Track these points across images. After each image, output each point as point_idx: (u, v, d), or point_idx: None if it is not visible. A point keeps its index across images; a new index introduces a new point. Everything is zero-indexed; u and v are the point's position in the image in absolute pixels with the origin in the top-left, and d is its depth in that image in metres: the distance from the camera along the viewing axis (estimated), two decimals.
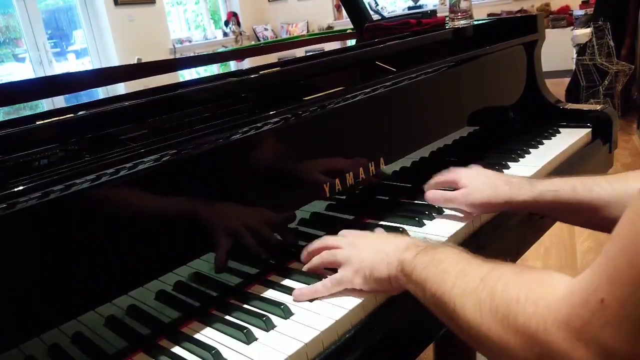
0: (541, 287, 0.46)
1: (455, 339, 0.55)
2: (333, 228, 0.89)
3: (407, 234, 0.85)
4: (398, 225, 0.88)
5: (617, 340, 0.38)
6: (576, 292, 0.42)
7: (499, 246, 0.92)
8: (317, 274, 0.75)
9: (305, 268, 0.77)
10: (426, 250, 0.64)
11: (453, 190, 0.89)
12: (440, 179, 0.93)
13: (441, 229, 0.86)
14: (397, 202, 0.99)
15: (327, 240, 0.78)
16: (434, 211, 0.91)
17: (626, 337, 0.38)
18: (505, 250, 0.97)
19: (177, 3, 7.20)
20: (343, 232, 0.80)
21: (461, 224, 0.87)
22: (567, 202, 0.77)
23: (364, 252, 0.71)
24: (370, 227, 0.90)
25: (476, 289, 0.52)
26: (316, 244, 0.78)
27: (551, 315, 0.43)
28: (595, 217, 0.74)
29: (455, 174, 0.91)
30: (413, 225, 0.88)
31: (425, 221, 0.89)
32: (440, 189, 0.93)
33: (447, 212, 0.91)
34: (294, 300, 0.70)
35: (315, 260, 0.76)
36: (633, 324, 0.37)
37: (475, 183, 0.86)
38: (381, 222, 0.91)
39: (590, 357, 0.40)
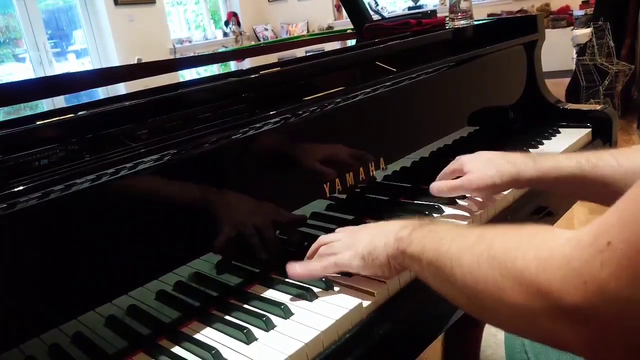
0: (544, 234, 0.46)
1: (462, 335, 0.55)
2: (333, 228, 0.90)
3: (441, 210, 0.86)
4: None
5: (617, 283, 0.37)
6: (583, 234, 0.41)
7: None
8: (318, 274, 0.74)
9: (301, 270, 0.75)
10: (422, 226, 0.64)
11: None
12: (445, 170, 0.93)
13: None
14: (397, 202, 0.99)
15: (323, 237, 0.77)
16: (434, 211, 0.91)
17: (629, 280, 0.37)
18: None
19: (177, 3, 7.20)
20: (339, 229, 0.80)
21: (462, 224, 0.87)
22: (572, 179, 0.76)
23: (362, 236, 0.71)
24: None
25: (473, 244, 0.52)
26: (314, 245, 0.77)
27: (552, 256, 0.42)
28: (600, 193, 0.74)
29: (458, 161, 0.91)
30: None
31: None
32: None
33: (447, 211, 0.91)
34: (288, 272, 0.70)
35: (311, 253, 0.75)
36: (635, 268, 0.36)
37: (479, 166, 0.86)
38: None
39: (586, 296, 0.39)
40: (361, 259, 0.69)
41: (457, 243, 0.55)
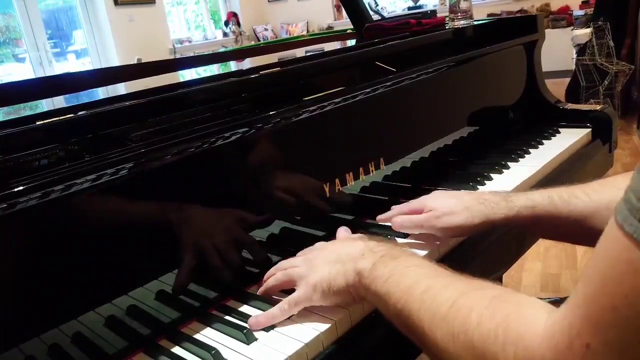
0: (519, 324, 0.44)
1: None
2: (333, 228, 0.90)
3: (407, 233, 0.84)
4: None
5: None
6: (557, 335, 0.40)
7: (499, 246, 0.92)
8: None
9: (259, 291, 0.73)
10: (384, 261, 0.61)
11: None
12: (403, 207, 0.85)
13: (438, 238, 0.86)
14: (397, 202, 0.98)
15: (282, 263, 0.74)
16: None
17: None
18: (505, 250, 0.97)
19: (177, 3, 7.19)
20: (298, 253, 0.75)
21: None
22: (545, 217, 0.73)
23: (319, 266, 0.67)
24: (370, 227, 0.90)
25: (446, 316, 0.50)
26: (271, 270, 0.74)
27: (532, 358, 0.41)
28: (573, 230, 0.72)
29: (419, 201, 0.83)
30: None
31: None
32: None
33: None
34: (250, 327, 0.66)
35: (270, 282, 0.71)
36: None
37: (445, 205, 0.78)
38: (381, 222, 0.91)
39: None
40: (320, 291, 0.65)
41: (428, 307, 0.52)
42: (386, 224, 0.90)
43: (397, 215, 0.84)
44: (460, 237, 0.84)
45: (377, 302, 0.61)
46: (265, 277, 0.73)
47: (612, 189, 0.69)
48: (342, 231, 0.82)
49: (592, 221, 0.69)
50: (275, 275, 0.72)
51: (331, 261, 0.67)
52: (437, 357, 0.52)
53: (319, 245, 0.75)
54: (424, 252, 0.80)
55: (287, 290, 0.70)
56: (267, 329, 0.66)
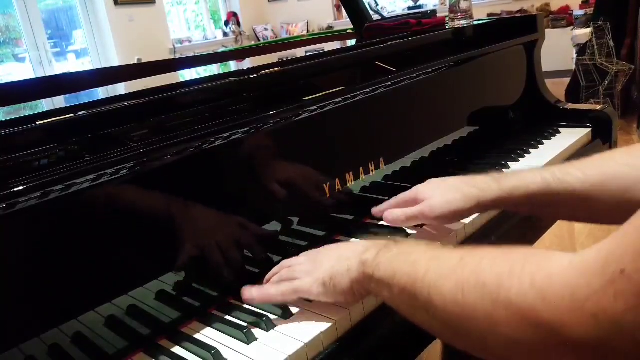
0: (539, 258, 0.41)
1: None
2: (333, 228, 0.90)
3: (407, 232, 0.84)
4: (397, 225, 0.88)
5: (635, 316, 0.34)
6: (590, 260, 0.37)
7: (499, 246, 0.92)
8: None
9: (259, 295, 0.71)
10: (389, 247, 0.60)
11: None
12: (396, 199, 0.85)
13: (440, 229, 0.86)
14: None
15: (284, 262, 0.73)
16: None
17: None
18: None
19: (177, 3, 7.19)
20: (302, 254, 0.74)
21: (461, 224, 0.87)
22: (539, 196, 0.72)
23: (323, 262, 0.67)
24: (370, 228, 0.90)
25: (455, 269, 0.47)
26: (274, 269, 0.73)
27: (552, 284, 0.38)
28: (569, 208, 0.71)
29: (411, 191, 0.83)
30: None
31: None
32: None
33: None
34: (243, 297, 0.66)
35: (274, 280, 0.71)
36: None
37: (439, 193, 0.78)
38: (381, 222, 0.91)
39: (593, 330, 0.36)
40: (322, 285, 0.64)
41: (435, 267, 0.50)
42: (387, 223, 0.90)
43: (389, 208, 0.83)
44: (457, 225, 0.83)
45: (381, 288, 0.58)
46: (268, 276, 0.73)
47: (610, 163, 0.67)
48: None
49: (588, 198, 0.67)
50: (279, 272, 0.71)
51: (334, 257, 0.66)
52: (444, 325, 0.49)
53: (321, 248, 0.74)
54: (459, 224, 0.82)
55: None
56: (267, 329, 0.66)
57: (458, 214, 0.77)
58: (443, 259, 0.51)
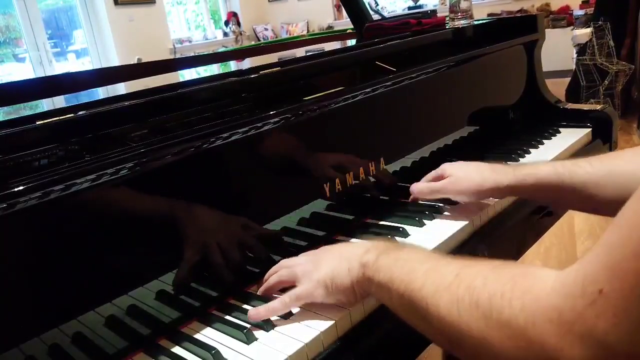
0: (527, 280, 0.44)
1: None
2: (333, 228, 0.90)
3: (407, 233, 0.85)
4: (398, 225, 0.88)
5: (615, 334, 0.36)
6: (570, 282, 0.39)
7: (500, 246, 0.92)
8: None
9: (260, 291, 0.72)
10: (388, 251, 0.61)
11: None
12: (427, 176, 0.93)
13: (441, 228, 0.86)
14: (397, 202, 0.98)
15: (284, 261, 0.74)
16: (434, 211, 0.91)
17: (626, 331, 0.35)
18: (505, 250, 0.97)
19: (177, 3, 7.19)
20: (301, 254, 0.75)
21: (461, 224, 0.87)
22: (549, 186, 0.78)
23: (323, 263, 0.67)
24: (370, 227, 0.90)
25: (450, 285, 0.49)
26: (273, 268, 0.74)
27: (540, 307, 0.40)
28: (577, 198, 0.76)
29: (440, 168, 0.91)
30: (413, 225, 0.88)
31: (425, 221, 0.89)
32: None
33: (447, 212, 0.91)
34: (250, 319, 0.66)
35: (272, 279, 0.71)
36: (635, 318, 0.35)
37: (462, 171, 0.87)
38: (381, 222, 0.91)
39: (583, 351, 0.37)
40: (323, 287, 0.65)
41: (432, 280, 0.52)
42: (387, 223, 0.90)
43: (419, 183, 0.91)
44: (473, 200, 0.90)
45: (381, 292, 0.60)
46: (267, 275, 0.73)
47: (618, 160, 0.72)
48: None
49: (595, 191, 0.72)
50: (279, 272, 0.71)
51: (335, 258, 0.67)
52: (441, 335, 0.51)
53: (320, 248, 0.74)
54: (460, 224, 0.86)
55: (288, 289, 0.70)
56: (267, 328, 0.66)
57: (477, 193, 0.86)
58: (439, 271, 0.53)
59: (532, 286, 0.43)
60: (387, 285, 0.58)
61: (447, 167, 0.89)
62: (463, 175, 0.86)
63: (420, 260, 0.57)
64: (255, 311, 0.66)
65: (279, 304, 0.66)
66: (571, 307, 0.38)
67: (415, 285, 0.53)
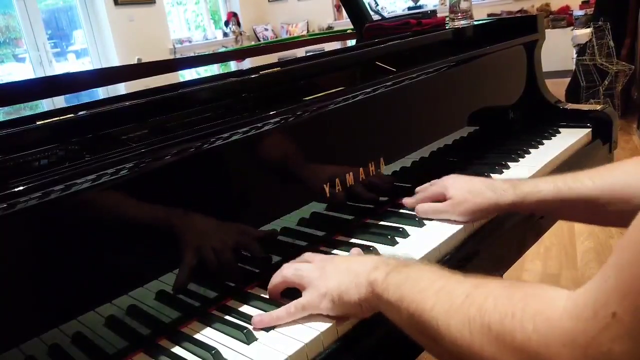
0: (538, 301, 0.44)
1: None
2: (333, 229, 0.90)
3: (407, 233, 0.85)
4: (398, 225, 0.88)
5: (632, 357, 0.36)
6: (581, 305, 0.39)
7: (500, 246, 0.92)
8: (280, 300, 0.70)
9: (268, 287, 0.72)
10: (398, 269, 0.61)
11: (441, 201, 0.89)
12: (427, 193, 0.93)
13: (441, 228, 0.86)
14: (397, 203, 0.98)
15: (292, 263, 0.73)
16: None
17: None
18: (505, 250, 0.97)
19: (177, 3, 7.20)
20: (307, 255, 0.75)
21: (461, 225, 0.87)
22: (550, 202, 0.79)
23: (331, 275, 0.66)
24: (370, 227, 0.90)
25: (461, 306, 0.49)
26: (282, 267, 0.73)
27: (553, 331, 0.40)
28: (578, 212, 0.78)
29: (440, 185, 0.91)
30: (413, 225, 0.88)
31: (425, 221, 0.89)
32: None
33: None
34: (253, 327, 0.66)
35: (278, 279, 0.71)
36: None
37: (461, 192, 0.87)
38: (381, 222, 0.91)
39: None
40: (330, 300, 0.64)
41: (443, 301, 0.52)
42: (387, 223, 0.90)
43: (421, 201, 0.92)
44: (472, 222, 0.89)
45: (390, 310, 0.60)
46: (275, 274, 0.72)
47: (618, 172, 0.73)
48: (355, 251, 0.80)
49: (597, 204, 0.74)
50: (286, 272, 0.71)
51: (343, 271, 0.66)
52: (452, 356, 0.51)
53: (328, 256, 0.74)
54: (459, 225, 0.86)
55: (290, 294, 0.70)
56: (267, 328, 0.66)
57: (477, 214, 0.86)
58: (450, 292, 0.52)
59: (544, 308, 0.43)
60: (397, 304, 0.57)
61: (448, 186, 0.89)
62: (463, 199, 0.86)
63: (431, 279, 0.56)
64: (260, 318, 0.66)
65: (284, 312, 0.66)
66: (584, 331, 0.38)
67: (426, 305, 0.53)
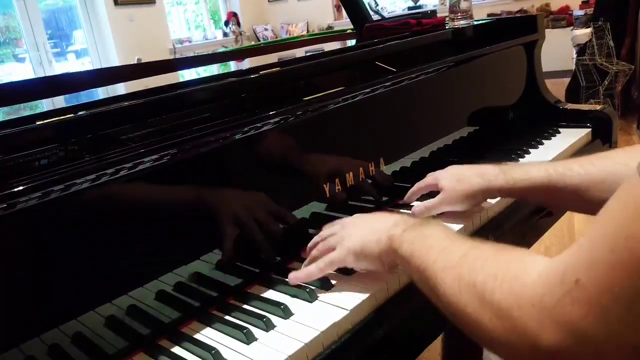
0: (519, 266, 0.47)
1: (463, 335, 0.55)
2: None
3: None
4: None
5: (589, 322, 0.38)
6: (552, 271, 0.42)
7: (498, 244, 0.92)
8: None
9: (304, 264, 0.76)
10: (414, 227, 0.66)
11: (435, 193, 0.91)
12: (420, 186, 0.94)
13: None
14: (397, 203, 0.98)
15: (322, 232, 0.79)
16: None
17: (600, 321, 0.37)
18: None
19: (177, 3, 7.19)
20: (335, 222, 0.80)
21: (462, 225, 0.87)
22: (541, 189, 0.79)
23: (355, 231, 0.73)
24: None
25: (456, 264, 0.53)
26: (314, 238, 0.79)
27: (525, 293, 0.43)
28: (569, 200, 0.78)
29: (433, 177, 0.92)
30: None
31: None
32: (421, 195, 0.95)
33: (447, 212, 0.91)
34: (290, 282, 0.72)
35: (313, 254, 0.76)
36: (606, 308, 0.37)
37: (451, 182, 0.89)
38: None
39: (559, 336, 0.39)
40: (354, 254, 0.71)
41: (442, 259, 0.56)
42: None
43: (415, 194, 0.95)
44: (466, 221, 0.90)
45: (404, 264, 0.65)
46: (310, 245, 0.78)
47: (609, 161, 0.73)
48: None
49: (587, 192, 0.74)
50: (317, 246, 0.76)
51: (367, 227, 0.72)
52: (446, 308, 0.54)
53: (354, 215, 0.79)
54: (460, 224, 0.87)
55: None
56: (267, 329, 0.66)
57: (468, 202, 0.88)
58: (450, 251, 0.56)
59: (523, 272, 0.45)
60: (408, 258, 0.62)
61: (439, 178, 0.90)
62: (452, 188, 0.88)
63: (439, 238, 0.61)
64: (295, 275, 0.72)
65: (315, 268, 0.72)
66: (550, 293, 0.41)
67: (429, 261, 0.58)
